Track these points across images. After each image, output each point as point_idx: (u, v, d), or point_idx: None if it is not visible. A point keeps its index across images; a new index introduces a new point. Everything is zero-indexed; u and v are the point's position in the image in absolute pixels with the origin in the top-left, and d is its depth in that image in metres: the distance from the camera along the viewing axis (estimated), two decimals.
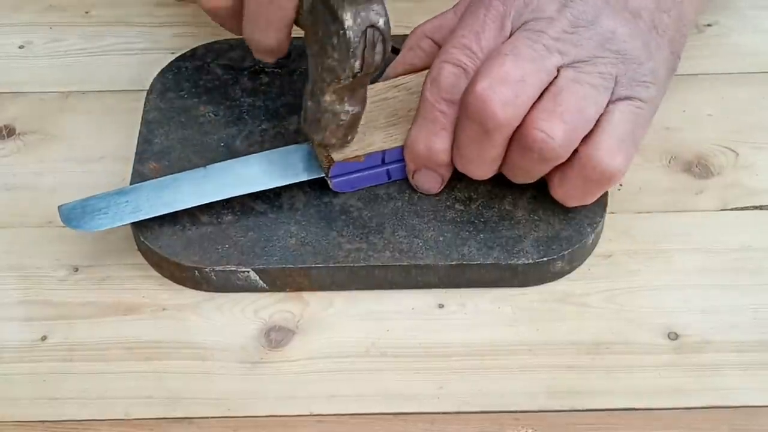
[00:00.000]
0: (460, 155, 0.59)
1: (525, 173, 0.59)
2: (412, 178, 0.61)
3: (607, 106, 0.56)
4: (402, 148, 0.60)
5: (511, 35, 0.57)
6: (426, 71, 0.61)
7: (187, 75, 0.68)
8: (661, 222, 0.63)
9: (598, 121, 0.56)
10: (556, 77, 0.56)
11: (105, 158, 0.66)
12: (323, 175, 0.61)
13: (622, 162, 0.56)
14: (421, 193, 0.61)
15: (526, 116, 0.56)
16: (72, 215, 0.59)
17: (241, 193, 0.60)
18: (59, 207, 0.59)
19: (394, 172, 0.61)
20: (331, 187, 0.61)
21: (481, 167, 0.59)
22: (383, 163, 0.61)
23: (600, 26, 0.57)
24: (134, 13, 0.75)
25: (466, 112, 0.56)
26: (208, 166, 0.61)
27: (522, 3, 0.58)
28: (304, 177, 0.61)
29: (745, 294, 0.59)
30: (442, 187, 0.61)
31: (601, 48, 0.57)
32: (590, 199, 0.59)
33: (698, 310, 0.59)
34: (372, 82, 0.63)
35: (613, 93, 0.56)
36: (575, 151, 0.57)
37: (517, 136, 0.56)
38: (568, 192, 0.59)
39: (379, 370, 0.57)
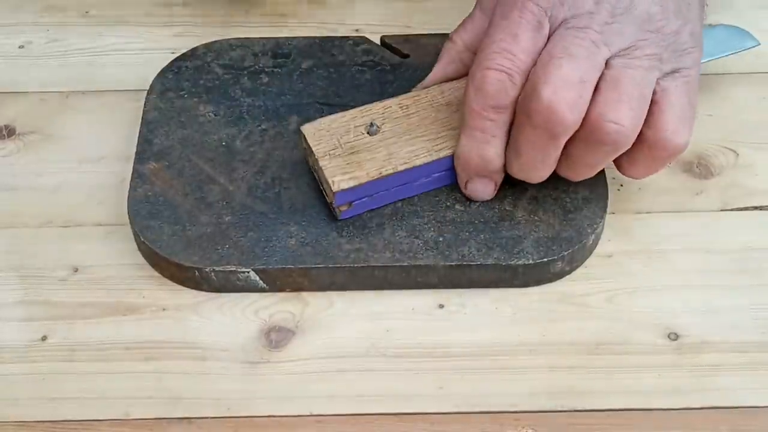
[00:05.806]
0: (521, 162, 0.58)
1: (590, 167, 0.58)
2: (465, 188, 0.60)
3: (659, 83, 0.57)
4: (407, 170, 0.59)
5: (550, 35, 0.57)
6: (431, 87, 0.61)
7: (187, 75, 0.68)
8: (661, 222, 0.63)
9: (655, 101, 0.56)
10: (605, 68, 0.56)
11: (105, 158, 0.66)
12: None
13: (688, 134, 0.57)
14: (474, 201, 0.61)
15: (589, 112, 0.56)
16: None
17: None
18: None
19: (399, 192, 0.61)
20: (337, 216, 0.60)
21: (543, 171, 0.58)
22: (389, 186, 0.60)
23: (636, 10, 0.57)
24: (134, 13, 0.75)
25: (531, 120, 0.56)
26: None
27: (557, 1, 0.57)
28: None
29: (745, 294, 0.59)
30: (495, 192, 0.61)
31: (641, 31, 0.57)
32: (660, 170, 0.60)
33: (698, 311, 0.59)
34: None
35: (660, 70, 0.57)
36: (640, 134, 0.57)
37: (583, 133, 0.56)
38: (639, 170, 0.59)
39: (379, 370, 0.57)
